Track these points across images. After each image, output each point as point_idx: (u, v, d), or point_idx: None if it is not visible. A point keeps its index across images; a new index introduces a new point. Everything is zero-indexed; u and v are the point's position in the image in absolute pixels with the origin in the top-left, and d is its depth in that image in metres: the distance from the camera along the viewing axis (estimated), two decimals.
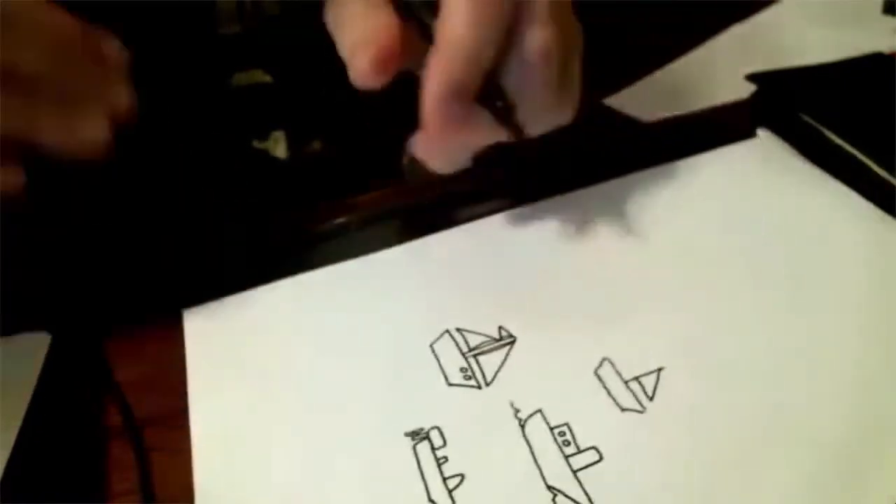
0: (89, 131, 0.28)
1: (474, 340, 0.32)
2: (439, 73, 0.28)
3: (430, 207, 0.39)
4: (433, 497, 0.27)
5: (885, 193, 0.37)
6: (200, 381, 0.32)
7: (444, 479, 0.27)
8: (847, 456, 0.27)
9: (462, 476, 0.27)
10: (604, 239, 0.36)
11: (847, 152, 0.39)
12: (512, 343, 0.32)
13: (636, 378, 0.30)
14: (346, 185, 0.51)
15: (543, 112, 0.32)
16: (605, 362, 0.31)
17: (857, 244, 0.35)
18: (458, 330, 0.32)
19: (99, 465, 0.29)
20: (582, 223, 0.37)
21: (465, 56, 0.28)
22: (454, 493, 0.27)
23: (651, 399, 0.29)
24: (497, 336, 0.32)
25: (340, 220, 0.39)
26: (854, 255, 0.34)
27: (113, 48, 0.31)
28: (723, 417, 0.28)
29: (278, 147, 0.80)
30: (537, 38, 0.30)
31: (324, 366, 0.32)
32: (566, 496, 0.26)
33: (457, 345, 0.32)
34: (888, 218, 0.36)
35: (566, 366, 0.31)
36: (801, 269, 0.34)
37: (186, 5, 0.51)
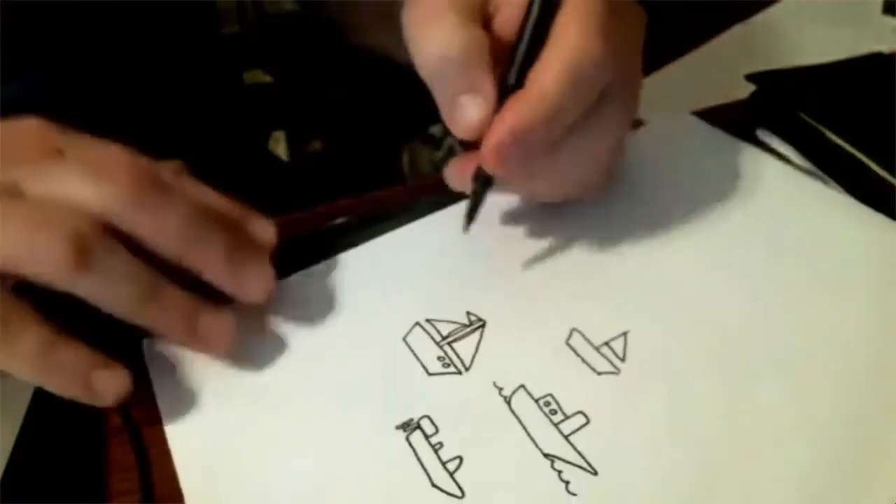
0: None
1: (445, 329, 0.32)
2: (516, 115, 0.28)
3: (429, 207, 0.39)
4: (436, 483, 0.27)
5: (886, 193, 0.37)
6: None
7: (444, 464, 0.28)
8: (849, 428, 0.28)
9: (460, 458, 0.28)
10: (559, 221, 0.37)
11: (847, 152, 0.39)
12: (482, 326, 0.32)
13: (606, 343, 0.31)
14: (346, 185, 0.51)
15: (581, 187, 0.34)
16: (575, 333, 0.32)
17: (850, 242, 0.35)
18: (428, 321, 0.33)
19: (99, 465, 0.29)
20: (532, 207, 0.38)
21: (548, 111, 0.28)
22: (456, 476, 0.27)
23: (623, 360, 0.30)
24: (466, 322, 0.33)
25: (340, 220, 0.39)
26: (850, 253, 0.35)
27: (265, 230, 0.33)
28: (694, 363, 0.30)
29: (278, 147, 0.80)
30: (615, 128, 0.31)
31: (305, 370, 0.31)
32: (563, 461, 0.27)
33: (429, 335, 0.32)
34: (887, 220, 0.36)
35: (539, 341, 0.32)
36: (782, 253, 0.35)
37: (187, 5, 0.51)
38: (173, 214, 0.29)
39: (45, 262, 0.26)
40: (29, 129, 0.30)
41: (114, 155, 0.29)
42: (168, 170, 0.31)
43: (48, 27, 0.43)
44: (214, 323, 0.30)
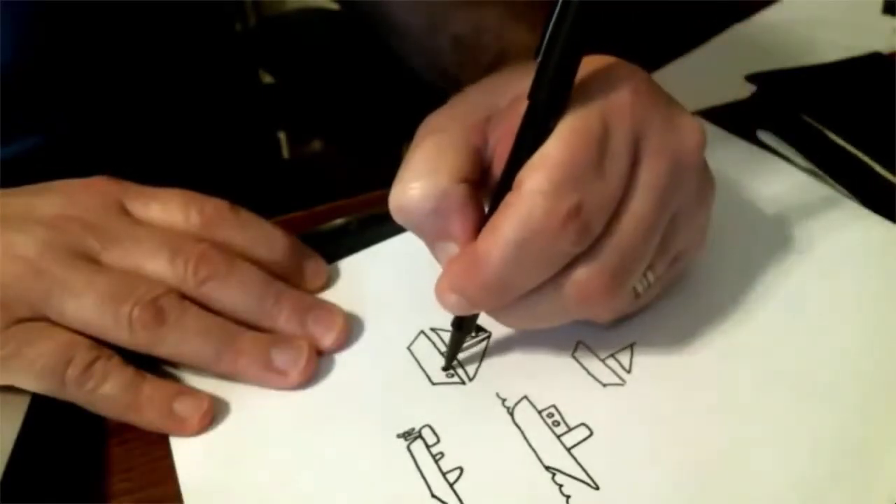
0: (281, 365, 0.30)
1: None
2: (453, 276, 0.27)
3: None
4: (436, 493, 0.27)
5: (887, 193, 0.37)
6: None
7: (444, 475, 0.27)
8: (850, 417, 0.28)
9: (461, 469, 0.27)
10: None
11: (848, 152, 0.39)
12: (488, 337, 0.32)
13: (612, 355, 0.31)
14: (346, 185, 0.51)
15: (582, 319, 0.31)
16: (580, 345, 0.31)
17: (851, 244, 0.35)
18: (433, 330, 0.33)
19: (99, 465, 0.29)
20: None
21: (488, 281, 0.26)
22: (456, 487, 0.27)
23: (629, 372, 0.30)
24: (472, 332, 0.32)
25: (340, 220, 0.39)
26: (851, 254, 0.35)
27: (317, 269, 0.34)
28: (700, 375, 0.30)
29: (279, 147, 0.80)
30: (581, 285, 0.27)
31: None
32: (564, 474, 0.27)
33: (434, 345, 0.32)
34: (888, 222, 0.36)
35: (543, 353, 0.31)
36: (787, 259, 0.35)
37: (193, 6, 0.51)
38: (239, 286, 0.31)
39: (127, 330, 0.29)
40: (94, 187, 0.32)
41: (179, 221, 0.32)
42: (220, 206, 0.33)
43: (59, 25, 0.43)
44: (290, 356, 0.30)
